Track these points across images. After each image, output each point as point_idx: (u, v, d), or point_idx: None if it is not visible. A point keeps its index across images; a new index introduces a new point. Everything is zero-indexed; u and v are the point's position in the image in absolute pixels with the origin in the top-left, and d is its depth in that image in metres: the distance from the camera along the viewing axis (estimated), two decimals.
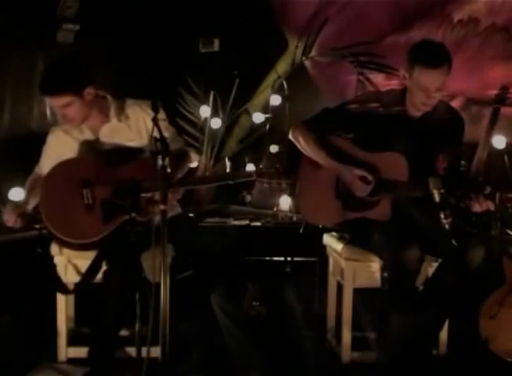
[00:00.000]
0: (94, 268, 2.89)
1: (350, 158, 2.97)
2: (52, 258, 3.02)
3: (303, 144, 3.04)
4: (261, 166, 3.02)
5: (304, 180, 3.10)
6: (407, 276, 2.82)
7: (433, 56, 2.80)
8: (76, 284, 3.01)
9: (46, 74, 2.95)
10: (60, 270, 3.03)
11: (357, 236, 3.11)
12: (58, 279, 3.00)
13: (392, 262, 2.82)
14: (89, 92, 2.93)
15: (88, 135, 3.03)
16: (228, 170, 4.63)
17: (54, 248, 3.03)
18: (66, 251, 2.97)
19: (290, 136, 3.09)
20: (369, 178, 2.90)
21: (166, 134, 2.91)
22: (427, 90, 2.82)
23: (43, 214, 2.80)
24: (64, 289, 3.02)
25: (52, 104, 2.93)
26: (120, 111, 3.05)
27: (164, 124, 3.02)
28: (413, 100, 2.91)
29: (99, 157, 2.95)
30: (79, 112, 2.92)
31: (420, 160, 2.90)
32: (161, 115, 3.06)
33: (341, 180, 2.99)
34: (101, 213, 2.78)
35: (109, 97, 3.06)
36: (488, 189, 2.68)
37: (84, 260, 2.93)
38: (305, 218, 3.23)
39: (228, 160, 4.98)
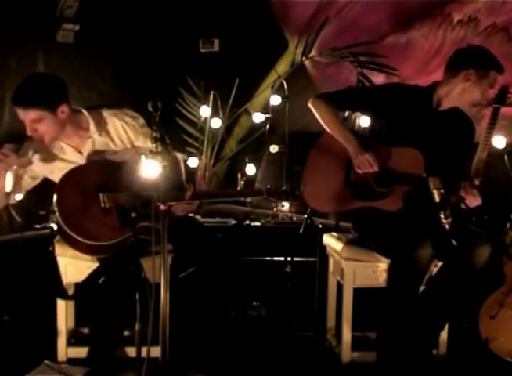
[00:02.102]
0: (98, 272, 2.90)
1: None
2: (55, 260, 3.00)
3: (321, 111, 3.06)
4: (268, 186, 3.02)
5: (312, 168, 3.09)
6: (417, 274, 2.83)
7: (500, 63, 3.00)
8: (76, 289, 3.01)
9: (20, 86, 2.84)
10: (60, 270, 3.03)
11: (364, 234, 3.11)
12: (58, 283, 2.98)
13: (403, 260, 2.82)
14: (63, 110, 2.84)
15: (70, 153, 2.97)
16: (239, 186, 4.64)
17: (56, 248, 3.03)
18: (71, 253, 2.96)
19: (310, 103, 3.10)
20: (374, 166, 2.92)
21: (149, 143, 2.92)
22: (485, 93, 3.01)
23: (60, 216, 2.76)
24: (64, 294, 3.01)
25: (23, 118, 2.83)
26: (100, 125, 2.98)
27: (143, 131, 3.01)
28: (469, 100, 3.03)
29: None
30: (50, 129, 2.84)
31: (439, 155, 2.93)
32: (139, 121, 3.04)
33: (352, 169, 3.00)
34: (117, 217, 2.79)
35: (84, 111, 2.98)
36: (477, 181, 2.83)
37: (85, 261, 2.94)
38: (310, 205, 3.20)
39: (228, 159, 4.99)
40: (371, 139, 3.05)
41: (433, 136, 3.01)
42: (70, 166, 2.91)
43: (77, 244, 2.80)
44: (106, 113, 3.01)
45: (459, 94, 3.02)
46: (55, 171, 2.95)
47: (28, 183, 3.01)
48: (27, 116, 2.82)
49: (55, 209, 2.78)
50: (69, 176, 2.84)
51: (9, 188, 2.80)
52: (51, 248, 2.96)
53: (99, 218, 2.78)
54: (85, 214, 2.78)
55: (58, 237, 2.93)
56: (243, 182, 2.96)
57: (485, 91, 3.01)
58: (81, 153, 2.98)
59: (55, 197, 2.79)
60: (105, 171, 2.88)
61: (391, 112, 3.04)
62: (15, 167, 2.82)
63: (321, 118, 3.07)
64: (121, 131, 3.01)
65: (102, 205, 2.80)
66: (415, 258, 2.78)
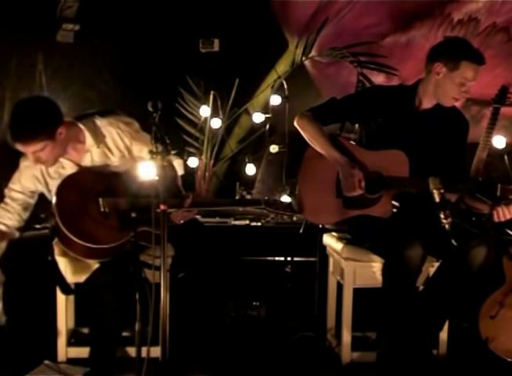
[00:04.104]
0: (99, 273, 2.90)
1: (352, 157, 2.98)
2: (54, 258, 3.00)
3: (308, 132, 3.04)
4: (266, 197, 3.03)
5: (305, 180, 3.09)
6: (409, 275, 2.82)
7: (479, 53, 2.93)
8: (77, 286, 3.01)
9: (16, 121, 2.79)
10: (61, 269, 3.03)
11: (359, 235, 3.11)
12: (62, 278, 2.98)
13: (394, 261, 2.82)
14: (61, 132, 2.84)
15: (69, 168, 2.97)
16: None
17: (54, 249, 3.03)
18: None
19: (295, 123, 3.09)
20: (362, 184, 2.90)
21: (145, 148, 2.85)
22: (463, 85, 2.91)
23: (58, 218, 2.77)
24: (67, 289, 3.00)
25: (25, 151, 2.82)
26: (97, 137, 2.97)
27: (138, 136, 3.01)
28: (444, 94, 2.97)
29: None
30: (52, 154, 2.85)
31: (424, 155, 2.92)
32: (134, 126, 3.04)
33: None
34: (117, 222, 2.79)
35: (79, 124, 2.96)
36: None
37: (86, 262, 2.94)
38: (306, 219, 3.23)
39: (228, 159, 5.00)
40: (355, 145, 3.05)
41: (416, 136, 2.99)
42: None
43: (76, 247, 2.80)
44: (100, 123, 3.00)
45: (434, 89, 2.98)
46: (54, 188, 2.91)
47: (28, 204, 3.04)
48: (29, 149, 2.80)
49: (54, 211, 2.78)
50: (69, 180, 2.85)
51: None
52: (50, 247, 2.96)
53: (98, 221, 2.79)
54: (84, 217, 2.79)
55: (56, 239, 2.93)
56: (242, 189, 2.98)
57: (461, 83, 2.91)
58: (80, 166, 2.98)
59: (54, 200, 2.79)
60: (104, 177, 2.90)
61: (376, 116, 3.04)
62: None
63: (308, 139, 3.06)
64: (118, 140, 3.00)
65: (102, 209, 2.80)
66: (405, 258, 2.77)
